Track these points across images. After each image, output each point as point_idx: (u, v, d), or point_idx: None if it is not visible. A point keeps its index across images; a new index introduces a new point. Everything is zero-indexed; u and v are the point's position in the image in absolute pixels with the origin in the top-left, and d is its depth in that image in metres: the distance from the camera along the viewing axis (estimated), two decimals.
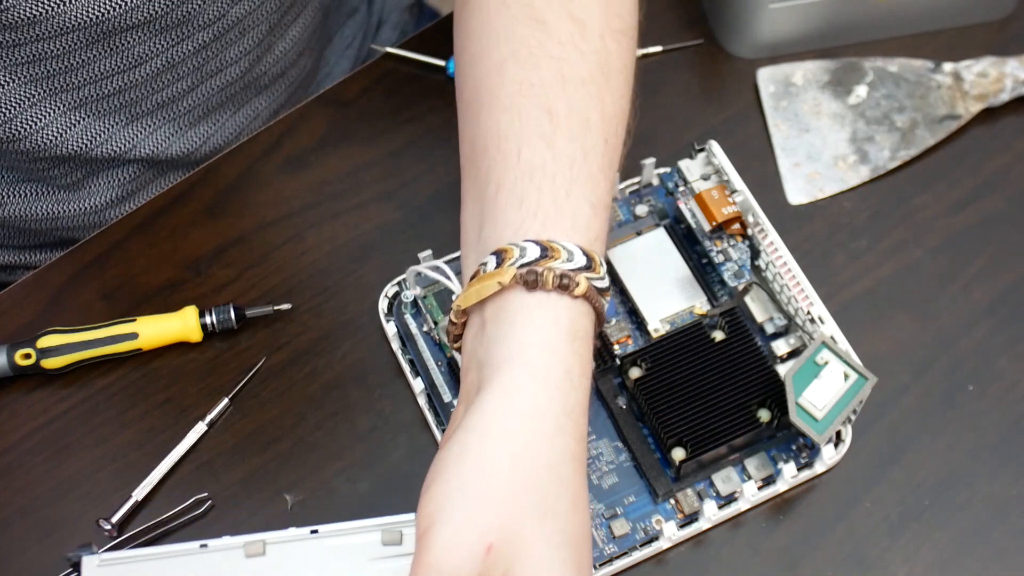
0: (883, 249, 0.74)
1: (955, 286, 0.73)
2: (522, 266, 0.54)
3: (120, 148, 0.73)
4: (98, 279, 0.73)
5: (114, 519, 0.65)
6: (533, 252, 0.54)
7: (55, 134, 0.70)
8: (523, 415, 0.52)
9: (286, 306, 0.71)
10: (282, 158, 0.77)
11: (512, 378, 0.53)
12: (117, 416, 0.69)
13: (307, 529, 0.61)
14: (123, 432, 0.68)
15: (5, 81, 0.67)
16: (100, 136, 0.72)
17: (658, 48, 0.81)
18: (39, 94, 0.68)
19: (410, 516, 0.61)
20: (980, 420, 0.69)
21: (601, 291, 0.56)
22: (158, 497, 0.66)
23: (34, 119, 0.69)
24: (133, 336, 0.69)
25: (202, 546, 0.61)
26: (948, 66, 0.79)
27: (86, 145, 0.72)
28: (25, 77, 0.67)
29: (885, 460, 0.68)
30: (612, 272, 0.71)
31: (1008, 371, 0.70)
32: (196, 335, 0.70)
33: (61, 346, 0.68)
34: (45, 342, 0.69)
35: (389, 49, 0.80)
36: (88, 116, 0.71)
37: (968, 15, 0.81)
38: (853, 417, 0.65)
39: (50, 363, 0.68)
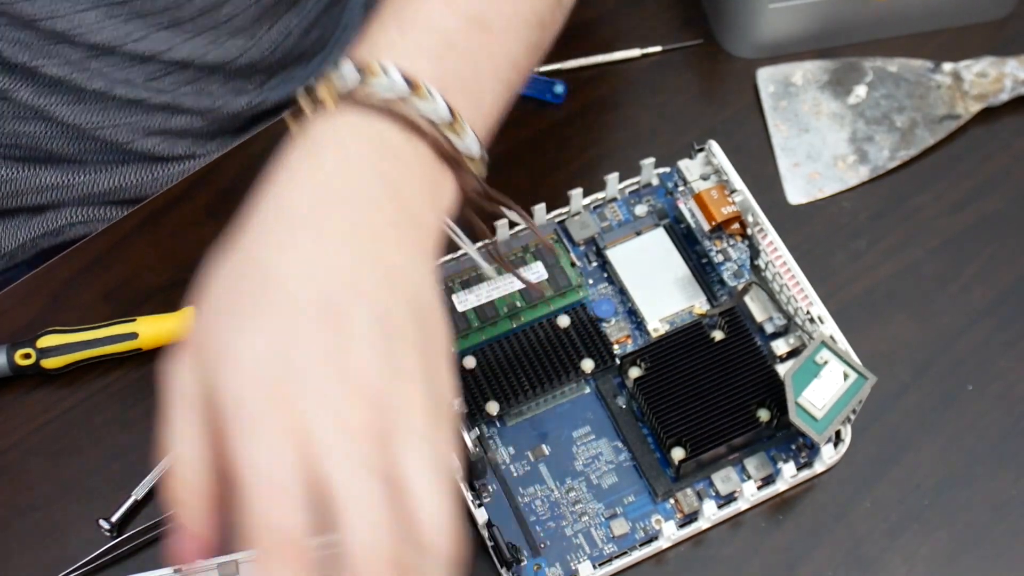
0: (883, 249, 0.74)
1: (955, 286, 0.73)
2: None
3: (157, 49, 0.73)
4: (98, 279, 0.73)
5: (114, 519, 0.65)
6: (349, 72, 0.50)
7: (92, 22, 0.69)
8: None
9: None
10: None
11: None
12: (117, 416, 0.69)
13: None
14: (123, 432, 0.68)
15: None
16: (136, 34, 0.71)
17: (658, 48, 0.81)
18: None
19: None
20: (980, 420, 0.69)
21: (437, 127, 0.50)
22: (158, 497, 0.66)
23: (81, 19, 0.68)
24: (133, 336, 0.69)
25: (176, 571, 0.62)
26: (948, 66, 0.79)
27: (122, 39, 0.71)
28: None
29: (885, 460, 0.68)
30: (612, 272, 0.71)
31: (1008, 371, 0.70)
32: None
33: (61, 346, 0.69)
34: (45, 342, 0.69)
35: None
36: (130, 15, 0.70)
37: (968, 15, 0.81)
38: (853, 417, 0.65)
39: (50, 363, 0.69)
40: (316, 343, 0.44)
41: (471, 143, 0.52)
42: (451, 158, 0.51)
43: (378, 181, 0.49)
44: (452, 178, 0.52)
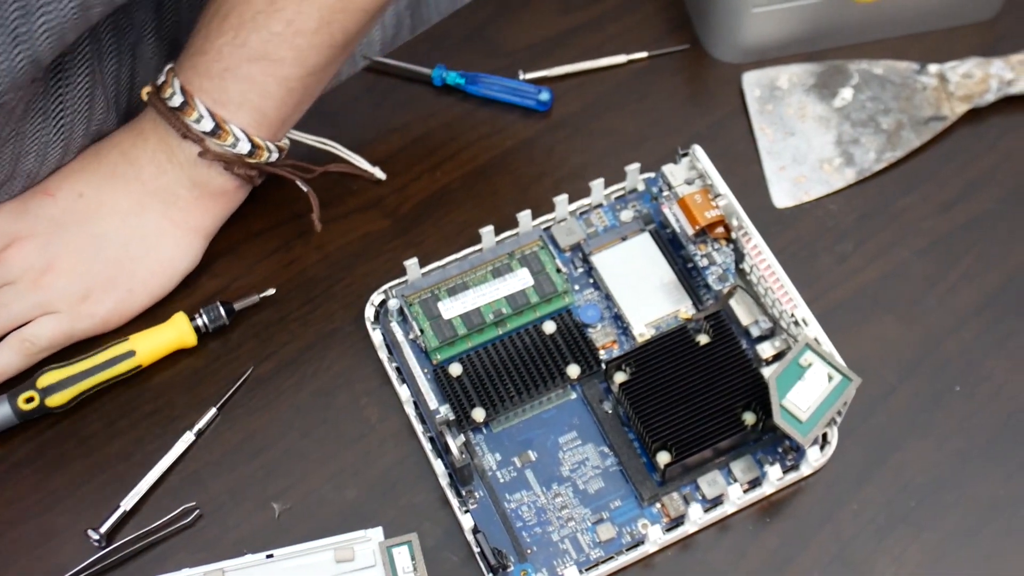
0: (869, 251, 0.74)
1: (942, 287, 0.73)
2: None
3: None
4: None
5: (103, 529, 0.65)
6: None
7: None
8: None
9: (270, 291, 0.72)
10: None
11: None
12: (105, 427, 0.69)
13: (263, 554, 0.63)
14: (111, 443, 0.68)
15: None
16: None
17: (644, 54, 0.81)
18: None
19: (360, 533, 0.64)
20: (967, 421, 0.69)
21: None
22: (146, 507, 0.67)
23: None
24: (131, 354, 0.69)
25: None
26: (933, 67, 0.79)
27: None
28: None
29: (872, 462, 0.68)
30: (597, 277, 0.71)
31: (995, 372, 0.70)
32: (191, 339, 0.70)
33: (62, 381, 0.67)
34: (45, 380, 0.67)
35: (376, 58, 0.81)
36: None
37: (953, 17, 0.81)
38: (838, 419, 0.65)
39: (54, 400, 0.67)
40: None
41: (241, 145, 0.69)
42: (218, 155, 0.69)
43: (131, 166, 0.71)
44: (218, 167, 0.70)
